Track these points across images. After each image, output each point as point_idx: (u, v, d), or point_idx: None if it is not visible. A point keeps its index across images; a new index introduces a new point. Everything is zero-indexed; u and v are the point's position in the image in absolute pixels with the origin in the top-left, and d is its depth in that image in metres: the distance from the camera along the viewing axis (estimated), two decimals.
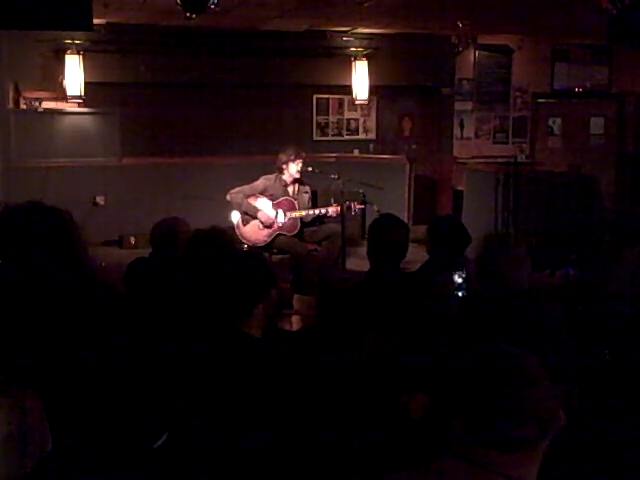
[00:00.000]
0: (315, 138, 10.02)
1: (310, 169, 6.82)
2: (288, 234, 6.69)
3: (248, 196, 6.67)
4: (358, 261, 6.44)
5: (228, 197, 6.68)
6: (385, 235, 3.51)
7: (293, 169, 6.71)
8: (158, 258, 4.14)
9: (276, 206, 6.70)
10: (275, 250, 6.69)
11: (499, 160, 9.25)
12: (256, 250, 6.03)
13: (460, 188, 8.78)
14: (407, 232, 3.61)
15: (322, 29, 9.33)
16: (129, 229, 8.35)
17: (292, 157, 6.68)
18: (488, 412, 1.51)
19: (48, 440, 1.79)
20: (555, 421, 1.54)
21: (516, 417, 1.49)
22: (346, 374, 2.76)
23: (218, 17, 6.97)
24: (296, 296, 4.75)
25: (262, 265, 2.73)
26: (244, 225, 6.68)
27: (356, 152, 10.08)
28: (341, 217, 6.54)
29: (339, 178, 6.61)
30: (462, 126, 10.44)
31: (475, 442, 1.53)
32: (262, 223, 6.64)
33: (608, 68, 10.93)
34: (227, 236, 3.93)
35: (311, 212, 6.74)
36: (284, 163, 6.71)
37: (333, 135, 10.18)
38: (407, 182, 9.11)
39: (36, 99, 8.51)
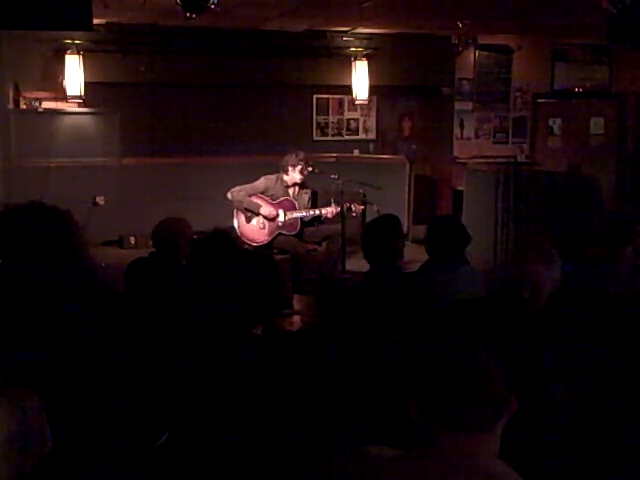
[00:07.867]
0: (315, 138, 10.03)
1: (310, 169, 6.81)
2: (288, 234, 6.70)
3: (249, 195, 6.67)
4: (358, 261, 6.42)
5: (229, 195, 6.67)
6: (373, 238, 3.52)
7: (297, 174, 6.69)
8: (159, 258, 4.14)
9: (277, 206, 6.69)
10: (275, 250, 6.69)
11: (499, 160, 9.25)
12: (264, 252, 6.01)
13: (460, 188, 8.77)
14: (398, 233, 3.61)
15: (322, 29, 9.33)
16: (129, 229, 8.35)
17: (302, 162, 6.66)
18: (443, 392, 1.58)
19: (48, 440, 1.79)
20: (508, 404, 1.61)
21: (470, 398, 1.56)
22: (346, 374, 2.76)
23: (218, 17, 6.97)
24: (296, 296, 4.75)
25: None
26: (245, 224, 6.68)
27: (356, 152, 10.08)
28: (341, 217, 6.54)
29: (339, 178, 6.61)
30: (462, 126, 10.44)
31: (430, 422, 1.57)
32: (265, 217, 6.63)
33: (608, 68, 10.93)
34: (232, 238, 3.93)
35: (311, 212, 6.74)
36: (292, 165, 6.68)
37: (333, 135, 10.18)
38: (407, 182, 9.11)
39: (36, 99, 8.51)
